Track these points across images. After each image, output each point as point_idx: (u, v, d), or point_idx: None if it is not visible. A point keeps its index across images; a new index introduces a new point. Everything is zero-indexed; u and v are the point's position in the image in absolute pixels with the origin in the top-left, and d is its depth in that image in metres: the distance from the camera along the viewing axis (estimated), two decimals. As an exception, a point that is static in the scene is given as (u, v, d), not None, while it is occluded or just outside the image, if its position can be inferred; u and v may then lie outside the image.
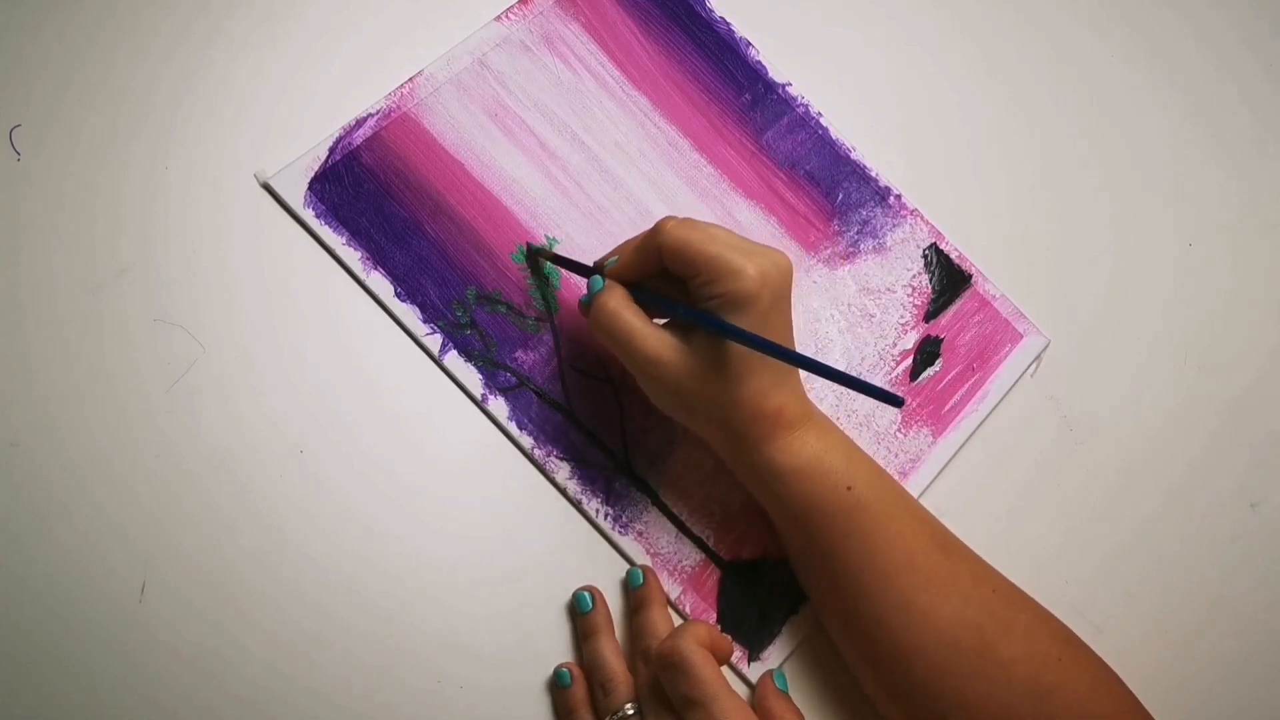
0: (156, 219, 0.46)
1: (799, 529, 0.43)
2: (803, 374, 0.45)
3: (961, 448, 0.51)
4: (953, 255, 0.54)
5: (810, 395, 0.45)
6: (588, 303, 0.44)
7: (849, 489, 0.41)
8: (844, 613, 0.43)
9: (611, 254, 0.44)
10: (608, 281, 0.44)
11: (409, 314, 0.47)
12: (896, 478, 0.49)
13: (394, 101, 0.49)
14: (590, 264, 0.46)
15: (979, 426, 0.51)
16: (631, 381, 0.48)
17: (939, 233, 0.54)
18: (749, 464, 0.43)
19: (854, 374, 0.51)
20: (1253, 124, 0.60)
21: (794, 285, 0.51)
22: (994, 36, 0.59)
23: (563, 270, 0.49)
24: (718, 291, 0.40)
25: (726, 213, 0.52)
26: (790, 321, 0.42)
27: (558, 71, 0.52)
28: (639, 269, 0.43)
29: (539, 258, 0.48)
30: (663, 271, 0.42)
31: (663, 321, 0.43)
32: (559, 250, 0.49)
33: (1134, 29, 0.60)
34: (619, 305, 0.43)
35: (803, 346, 0.51)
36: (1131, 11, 0.61)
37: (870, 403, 0.50)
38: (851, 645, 0.44)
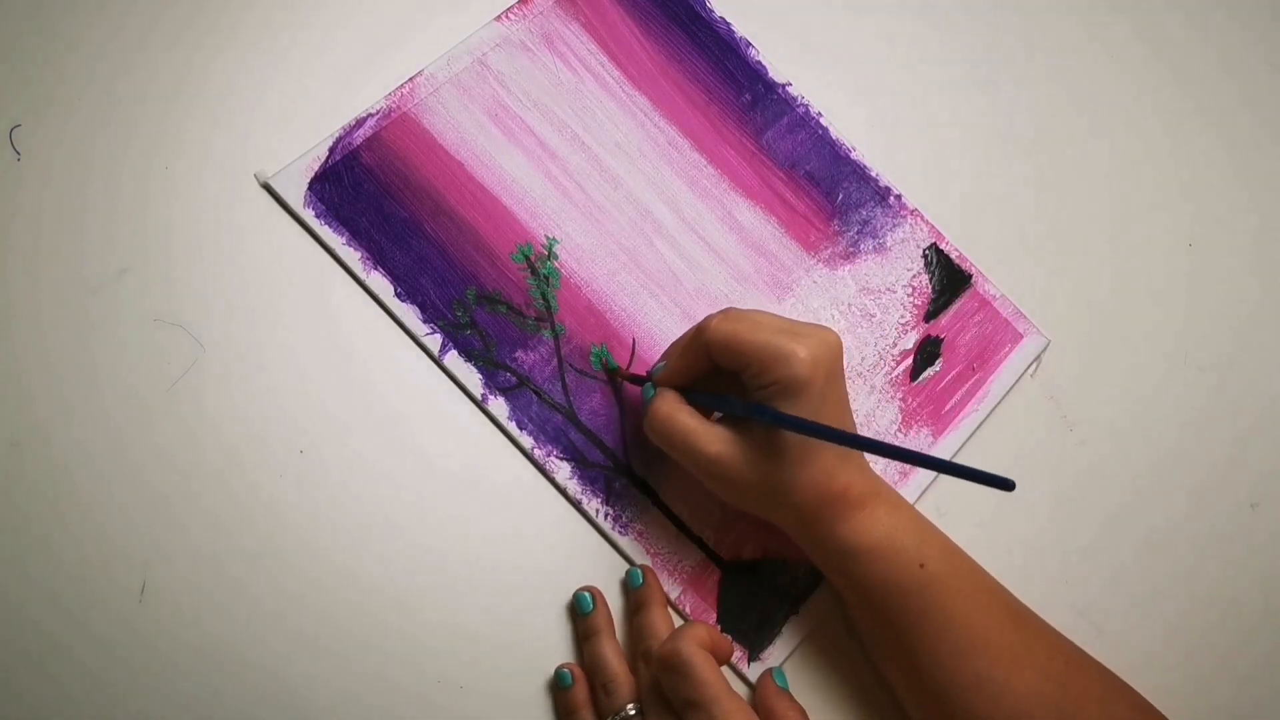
0: (157, 219, 0.46)
1: (873, 607, 0.42)
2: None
3: (962, 448, 0.51)
4: (953, 255, 0.54)
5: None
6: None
7: (922, 566, 0.41)
8: (920, 689, 0.42)
9: (664, 355, 0.45)
10: (659, 388, 0.44)
11: (409, 314, 0.47)
12: (896, 478, 0.49)
13: (394, 101, 0.49)
14: (639, 377, 0.46)
15: (979, 426, 0.51)
16: (633, 385, 0.48)
17: (939, 233, 0.54)
18: (821, 546, 0.42)
19: (852, 376, 0.51)
20: (1254, 123, 0.60)
21: (794, 286, 0.51)
22: (994, 36, 0.59)
23: (563, 270, 0.49)
24: (769, 380, 0.39)
25: (726, 213, 0.52)
26: (846, 398, 0.42)
27: (558, 71, 0.52)
28: (690, 371, 0.43)
29: (614, 375, 0.48)
30: (714, 369, 0.42)
31: (719, 416, 0.43)
32: (559, 250, 0.49)
33: (1135, 28, 0.60)
34: (671, 409, 0.42)
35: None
36: (1132, 11, 0.61)
37: (871, 402, 0.50)
38: (927, 718, 0.43)
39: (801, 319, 0.50)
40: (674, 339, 0.49)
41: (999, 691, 0.40)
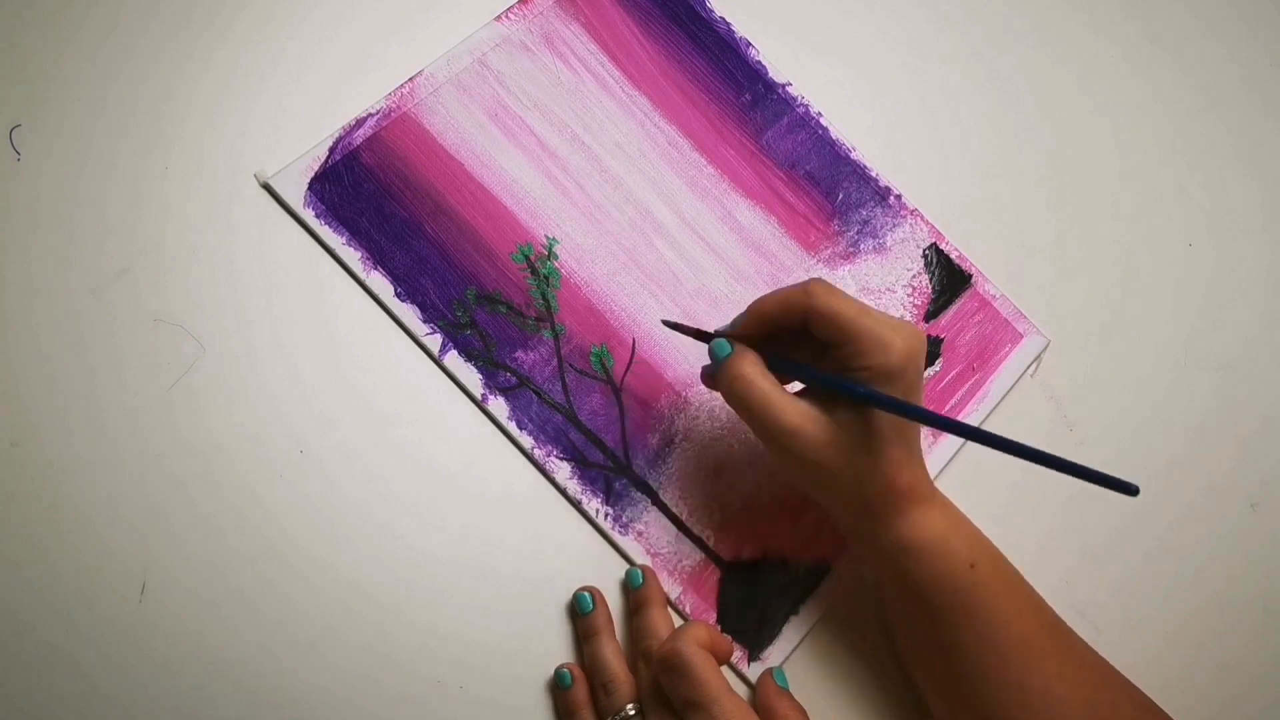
0: (157, 219, 0.46)
1: (918, 605, 0.42)
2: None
3: (962, 448, 0.51)
4: (953, 255, 0.54)
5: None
6: (713, 371, 0.43)
7: (972, 567, 0.41)
8: (956, 692, 0.42)
9: (737, 319, 0.44)
10: (737, 346, 0.42)
11: (409, 314, 0.47)
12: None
13: (394, 101, 0.49)
14: (711, 331, 0.45)
15: (979, 426, 0.51)
16: (630, 381, 0.48)
17: (939, 233, 0.54)
18: (875, 537, 0.42)
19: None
20: (1255, 123, 0.60)
21: (794, 285, 0.51)
22: (994, 36, 0.59)
23: (563, 270, 0.49)
24: (868, 364, 0.39)
25: (726, 213, 0.52)
26: (923, 397, 0.42)
27: (558, 71, 0.52)
28: (768, 328, 0.42)
29: (674, 328, 0.47)
30: (790, 334, 0.42)
31: (798, 389, 0.43)
32: (559, 250, 0.49)
33: (1135, 28, 0.60)
34: (754, 372, 0.41)
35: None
36: (1133, 10, 0.61)
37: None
38: None
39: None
40: (673, 338, 0.49)
41: (1035, 697, 0.40)
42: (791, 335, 0.42)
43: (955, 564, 0.41)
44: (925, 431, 0.50)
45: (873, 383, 0.39)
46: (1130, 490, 0.35)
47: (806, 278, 0.51)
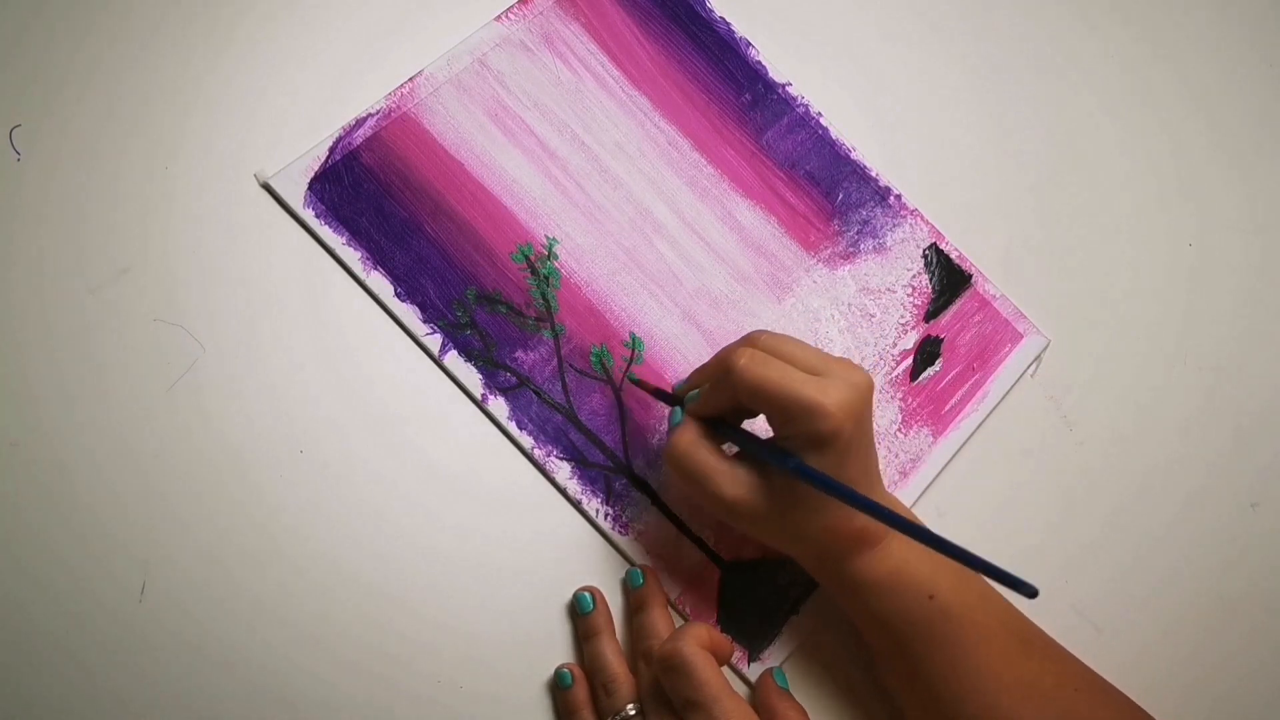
0: (156, 219, 0.46)
1: (884, 637, 0.42)
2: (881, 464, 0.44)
3: (962, 448, 0.51)
4: (953, 255, 0.54)
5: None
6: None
7: (931, 598, 0.41)
8: (934, 714, 0.42)
9: (691, 380, 0.44)
10: (685, 418, 0.43)
11: (409, 314, 0.47)
12: (896, 478, 0.49)
13: (394, 101, 0.49)
14: (672, 391, 0.46)
15: (979, 426, 0.51)
16: (632, 386, 0.48)
17: (939, 233, 0.54)
18: (834, 580, 0.43)
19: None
20: (1254, 123, 0.60)
21: (794, 286, 0.51)
22: (994, 35, 0.59)
23: (563, 270, 0.49)
24: (796, 431, 0.39)
25: (726, 213, 0.52)
26: (872, 441, 0.42)
27: (558, 71, 0.52)
28: (718, 405, 0.42)
29: (638, 386, 0.47)
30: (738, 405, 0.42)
31: (737, 451, 0.43)
32: (559, 250, 0.49)
33: (1134, 28, 0.60)
34: (692, 445, 0.42)
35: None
36: (1132, 10, 0.61)
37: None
38: None
39: (801, 319, 0.51)
40: (673, 339, 0.49)
41: (1006, 717, 0.40)
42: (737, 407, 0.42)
43: (913, 597, 0.41)
44: (926, 431, 0.50)
45: (804, 448, 0.39)
46: (1029, 592, 0.34)
47: (805, 277, 0.51)
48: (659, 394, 0.46)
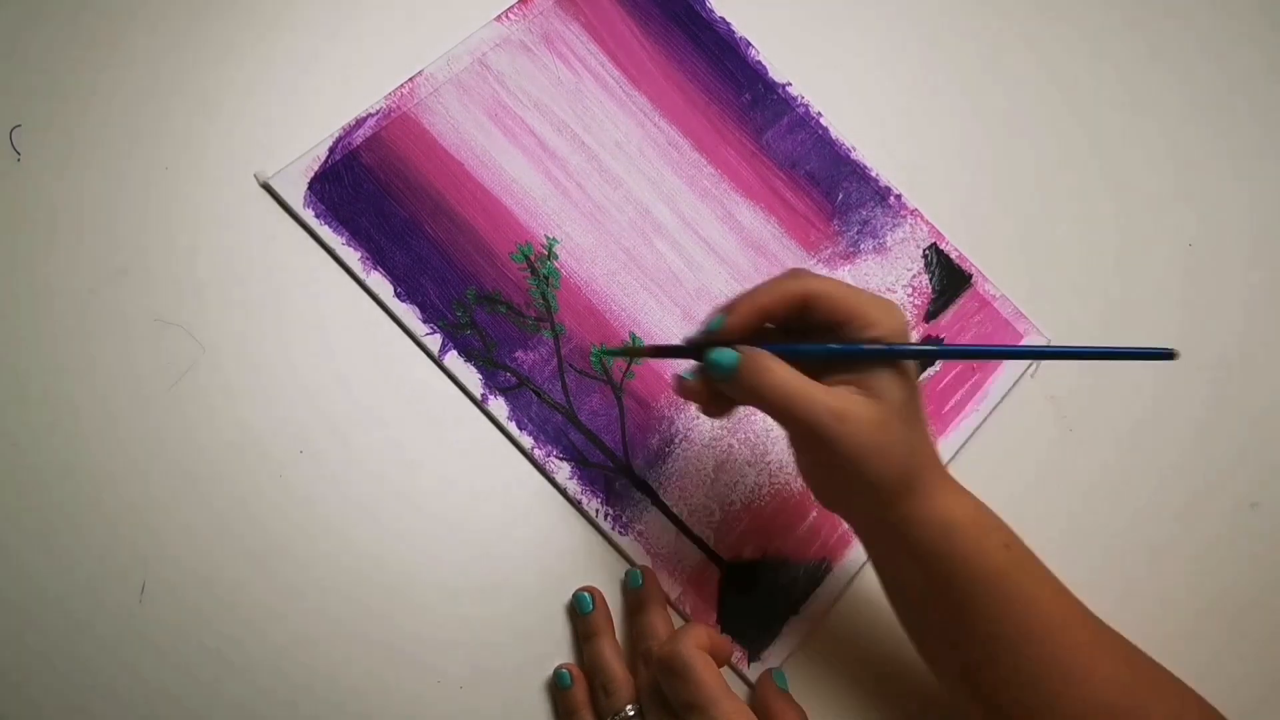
0: (156, 219, 0.46)
1: (951, 590, 0.40)
2: None
3: (962, 448, 0.51)
4: (953, 255, 0.54)
5: None
6: (725, 378, 0.40)
7: (1007, 547, 0.40)
8: (992, 680, 0.40)
9: (710, 318, 0.41)
10: (745, 348, 0.39)
11: (409, 314, 0.47)
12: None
13: (394, 101, 0.49)
14: (687, 348, 0.42)
15: (979, 426, 0.51)
16: (630, 381, 0.48)
17: (939, 233, 0.54)
18: (915, 518, 0.40)
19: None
20: (1253, 123, 0.60)
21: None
22: (993, 36, 0.59)
23: (563, 270, 0.49)
24: (879, 332, 0.38)
25: (726, 213, 0.52)
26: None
27: (558, 71, 0.52)
28: (758, 323, 0.40)
29: (620, 354, 0.47)
30: (778, 327, 0.41)
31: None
32: (559, 250, 0.49)
33: (1134, 30, 0.60)
34: (779, 368, 0.38)
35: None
36: (1132, 11, 0.61)
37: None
38: (993, 713, 0.41)
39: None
40: (673, 339, 0.49)
41: (1081, 678, 0.39)
42: (772, 333, 0.41)
43: (994, 544, 0.40)
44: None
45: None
46: (1169, 355, 0.35)
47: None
48: (670, 350, 0.43)
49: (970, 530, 0.40)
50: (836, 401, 0.38)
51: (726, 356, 0.39)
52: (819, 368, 0.39)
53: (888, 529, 0.41)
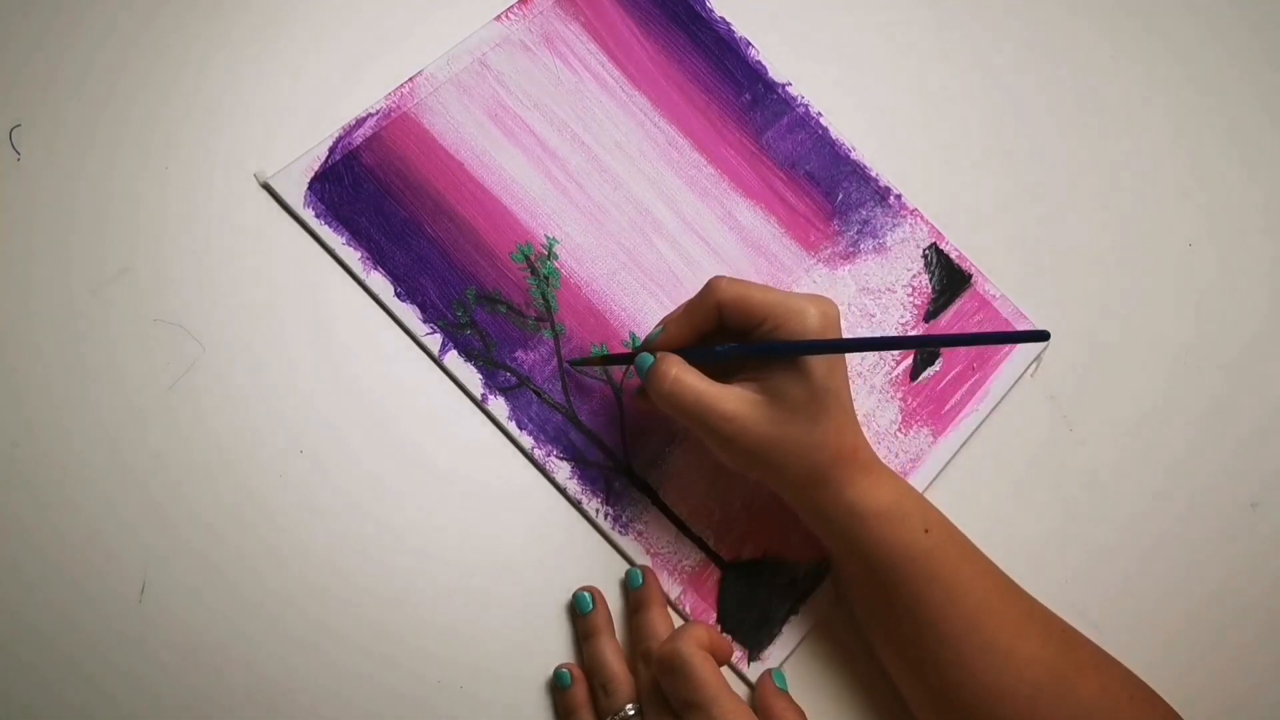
0: (156, 219, 0.46)
1: (878, 575, 0.42)
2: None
3: (962, 448, 0.51)
4: (953, 255, 0.54)
5: None
6: (644, 380, 0.43)
7: (926, 531, 0.41)
8: (922, 660, 0.42)
9: (657, 328, 0.44)
10: (659, 353, 0.43)
11: (409, 314, 0.47)
12: (907, 466, 0.49)
13: (394, 101, 0.49)
14: (628, 354, 0.46)
15: (979, 426, 0.51)
16: (630, 381, 0.48)
17: (939, 233, 0.54)
18: (827, 510, 0.42)
19: (852, 376, 0.51)
20: (1254, 123, 0.60)
21: (794, 286, 0.51)
22: (993, 36, 0.59)
23: (563, 270, 0.49)
24: (786, 334, 0.40)
25: (726, 213, 0.52)
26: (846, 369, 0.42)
27: (558, 71, 0.52)
28: (690, 334, 0.43)
29: (580, 366, 0.48)
30: (711, 333, 0.42)
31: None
32: (559, 250, 0.49)
33: (1135, 28, 0.60)
34: (680, 371, 0.41)
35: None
36: (1133, 10, 0.61)
37: (871, 402, 0.50)
38: (928, 693, 0.42)
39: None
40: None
41: (1005, 657, 0.40)
42: (705, 341, 0.43)
43: (910, 530, 0.41)
44: (926, 431, 0.50)
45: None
46: (1044, 336, 0.35)
47: (805, 278, 0.52)
48: (610, 359, 0.46)
49: (884, 518, 0.41)
50: (729, 404, 0.40)
51: (645, 361, 0.43)
52: (734, 368, 0.42)
53: (809, 518, 0.43)
